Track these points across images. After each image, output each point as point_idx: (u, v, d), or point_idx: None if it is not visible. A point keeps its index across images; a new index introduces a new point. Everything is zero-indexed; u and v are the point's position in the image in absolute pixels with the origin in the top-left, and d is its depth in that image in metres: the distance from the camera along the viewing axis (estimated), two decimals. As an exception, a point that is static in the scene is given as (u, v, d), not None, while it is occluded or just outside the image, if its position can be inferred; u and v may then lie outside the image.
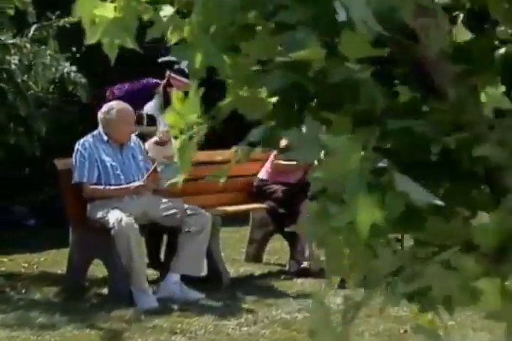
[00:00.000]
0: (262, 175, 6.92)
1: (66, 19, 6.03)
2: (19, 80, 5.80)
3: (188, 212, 5.94)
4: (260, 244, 7.25)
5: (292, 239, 6.88)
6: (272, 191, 6.80)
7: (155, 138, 6.40)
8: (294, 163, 6.62)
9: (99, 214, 5.76)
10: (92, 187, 5.87)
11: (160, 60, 7.32)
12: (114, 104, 6.08)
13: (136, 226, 5.65)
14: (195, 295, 5.81)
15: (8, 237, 7.90)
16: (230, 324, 5.13)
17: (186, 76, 6.90)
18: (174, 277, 5.88)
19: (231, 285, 6.23)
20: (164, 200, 6.02)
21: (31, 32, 5.88)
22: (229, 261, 7.16)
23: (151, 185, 5.82)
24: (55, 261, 7.09)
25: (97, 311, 5.47)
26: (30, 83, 5.85)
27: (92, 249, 6.01)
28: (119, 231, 5.60)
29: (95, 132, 6.04)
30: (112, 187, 5.88)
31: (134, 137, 6.21)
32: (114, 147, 6.02)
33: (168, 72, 7.08)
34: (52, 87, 6.50)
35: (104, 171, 5.90)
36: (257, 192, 6.89)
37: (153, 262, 6.54)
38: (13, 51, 5.88)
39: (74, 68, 6.52)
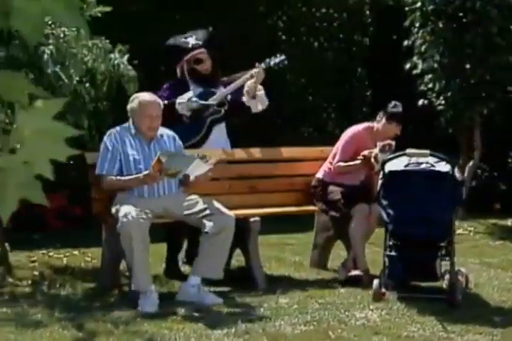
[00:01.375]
0: (320, 174, 6.46)
1: (98, 8, 5.93)
2: (49, 71, 5.71)
3: (208, 212, 5.60)
4: (323, 249, 6.80)
5: (348, 245, 6.40)
6: (327, 192, 6.33)
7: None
8: (354, 163, 6.18)
9: (114, 210, 5.57)
10: (108, 178, 5.67)
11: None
12: (140, 95, 5.85)
13: (142, 222, 5.36)
14: (212, 299, 5.51)
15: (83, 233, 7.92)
16: (216, 333, 4.78)
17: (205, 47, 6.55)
18: (193, 280, 5.60)
19: (267, 291, 5.85)
20: (188, 198, 5.73)
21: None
22: (291, 266, 6.85)
23: (156, 174, 5.47)
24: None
25: (98, 311, 5.28)
26: (61, 74, 5.73)
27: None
28: (121, 226, 5.38)
29: (126, 124, 5.85)
30: (122, 178, 5.64)
31: (168, 132, 5.95)
32: (142, 140, 5.77)
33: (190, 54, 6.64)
34: (102, 78, 6.35)
35: (126, 164, 5.69)
36: (313, 193, 6.45)
37: (189, 260, 6.30)
38: (50, 41, 5.81)
39: (124, 60, 6.38)
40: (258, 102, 6.58)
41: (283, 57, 6.71)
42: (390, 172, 5.52)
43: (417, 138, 11.03)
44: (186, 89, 6.48)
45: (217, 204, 5.67)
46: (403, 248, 5.56)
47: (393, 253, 5.59)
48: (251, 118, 7.00)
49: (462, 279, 5.96)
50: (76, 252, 7.47)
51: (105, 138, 5.77)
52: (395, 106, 6.27)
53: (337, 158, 6.34)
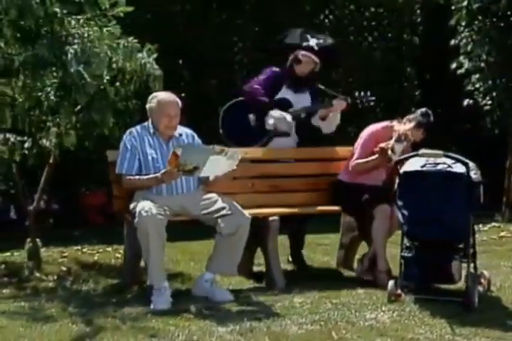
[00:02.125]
0: (341, 175, 6.43)
1: (120, 8, 5.99)
2: (72, 70, 5.79)
3: (224, 212, 5.62)
4: (349, 249, 6.76)
5: (369, 245, 6.35)
6: (348, 193, 6.29)
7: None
8: (371, 158, 6.12)
9: (132, 206, 5.63)
10: (127, 177, 5.74)
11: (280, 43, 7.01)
12: (159, 94, 5.89)
13: (159, 218, 5.39)
14: (224, 296, 5.54)
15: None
16: (220, 331, 4.80)
17: (315, 53, 6.63)
18: (207, 275, 5.65)
19: (285, 290, 5.85)
20: (206, 197, 5.75)
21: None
22: (318, 266, 6.85)
23: (173, 171, 5.48)
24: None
25: (111, 307, 5.36)
26: (83, 72, 5.80)
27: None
28: (139, 222, 5.43)
29: (145, 123, 5.91)
30: (141, 177, 5.69)
31: (187, 130, 5.99)
32: (161, 139, 5.81)
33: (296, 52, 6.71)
34: (130, 77, 6.42)
35: (145, 163, 5.73)
36: (334, 193, 6.42)
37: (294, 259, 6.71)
38: (76, 40, 5.89)
39: (151, 59, 6.43)
40: (328, 124, 6.70)
41: (373, 97, 6.72)
42: (405, 172, 5.46)
43: (463, 138, 10.91)
44: (279, 87, 6.62)
45: (233, 204, 5.68)
46: (418, 249, 5.49)
47: (408, 254, 5.53)
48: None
49: (484, 282, 5.86)
50: (109, 248, 7.59)
51: (124, 137, 5.84)
52: (426, 114, 6.16)
53: (355, 156, 6.29)
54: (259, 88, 6.64)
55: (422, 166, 5.45)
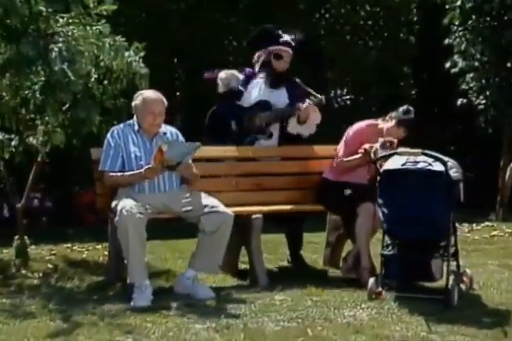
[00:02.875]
0: (325, 174, 6.44)
1: (104, 7, 6.01)
2: (56, 68, 5.82)
3: (206, 210, 5.64)
4: (335, 247, 6.77)
5: (355, 243, 6.35)
6: (332, 192, 6.30)
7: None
8: (355, 157, 6.11)
9: (113, 204, 5.65)
10: (110, 174, 5.76)
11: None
12: (144, 92, 5.91)
13: (139, 217, 5.41)
14: (205, 293, 5.57)
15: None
16: (196, 327, 4.82)
17: (292, 47, 6.64)
18: (189, 273, 5.68)
19: (267, 287, 5.87)
20: (188, 195, 5.78)
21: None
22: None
23: (157, 167, 5.51)
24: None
25: (91, 304, 5.38)
26: (67, 71, 5.83)
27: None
28: (119, 220, 5.46)
29: (130, 121, 5.94)
30: (124, 174, 5.69)
31: (172, 129, 6.02)
32: (144, 137, 5.82)
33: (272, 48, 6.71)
34: (116, 75, 6.45)
35: (128, 161, 5.75)
36: (319, 192, 6.42)
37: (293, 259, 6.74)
38: (60, 39, 5.92)
39: (137, 58, 6.45)
40: (307, 126, 6.65)
41: (348, 96, 6.70)
42: (386, 171, 5.47)
43: (458, 137, 10.92)
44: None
45: (215, 202, 5.70)
46: (398, 247, 5.50)
47: (389, 252, 5.54)
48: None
49: (466, 280, 5.87)
50: (99, 246, 7.61)
51: (108, 135, 5.86)
52: (408, 111, 6.14)
53: (340, 154, 6.30)
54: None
55: (403, 164, 5.46)
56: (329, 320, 5.02)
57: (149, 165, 5.57)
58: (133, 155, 5.76)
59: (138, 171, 5.65)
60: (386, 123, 6.20)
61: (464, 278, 5.86)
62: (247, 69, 6.88)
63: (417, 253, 5.44)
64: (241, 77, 6.73)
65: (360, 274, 6.03)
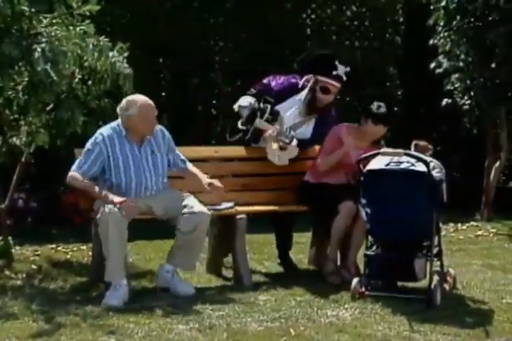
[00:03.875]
0: (307, 175, 6.45)
1: (87, 7, 6.00)
2: (39, 69, 5.81)
3: (184, 210, 5.64)
4: (319, 247, 6.77)
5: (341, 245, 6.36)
6: (313, 193, 6.30)
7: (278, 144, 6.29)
8: (336, 153, 6.10)
9: (96, 202, 5.63)
10: (79, 176, 5.62)
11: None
12: (137, 99, 5.72)
13: (121, 216, 5.39)
14: (186, 289, 5.62)
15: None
16: (180, 328, 4.82)
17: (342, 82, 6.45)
18: (167, 267, 5.70)
19: (251, 288, 5.88)
20: (171, 196, 5.77)
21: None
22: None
23: (132, 205, 5.45)
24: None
25: (74, 304, 5.36)
26: (50, 71, 5.81)
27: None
28: (101, 217, 5.45)
29: (114, 124, 5.81)
30: (95, 187, 5.58)
31: (157, 127, 5.88)
32: (132, 142, 5.70)
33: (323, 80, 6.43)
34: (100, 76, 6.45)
35: (115, 168, 5.65)
36: (301, 194, 6.43)
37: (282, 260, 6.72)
38: (44, 39, 5.91)
39: (121, 58, 6.44)
40: (285, 155, 6.43)
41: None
42: (369, 171, 5.48)
43: (443, 137, 10.94)
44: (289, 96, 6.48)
45: (193, 202, 5.70)
46: (382, 247, 5.52)
47: (372, 252, 5.55)
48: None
49: (449, 280, 5.89)
50: (84, 247, 7.58)
51: (93, 139, 5.73)
52: (379, 107, 6.13)
53: (320, 156, 6.32)
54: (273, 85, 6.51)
55: (386, 165, 5.47)
56: (312, 320, 5.03)
57: (129, 200, 5.46)
58: (120, 162, 5.64)
59: (108, 195, 5.50)
60: (364, 127, 6.19)
61: (448, 278, 5.88)
62: (295, 79, 6.61)
63: (400, 253, 5.46)
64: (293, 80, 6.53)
65: (324, 264, 6.05)
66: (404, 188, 5.34)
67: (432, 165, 5.41)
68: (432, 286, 5.38)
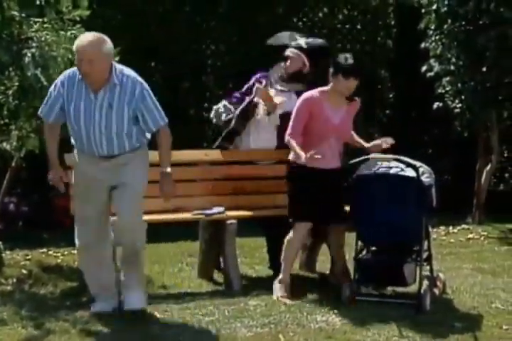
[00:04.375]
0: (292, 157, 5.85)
1: (77, 12, 6.01)
2: (29, 74, 5.81)
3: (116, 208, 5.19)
4: (311, 251, 6.77)
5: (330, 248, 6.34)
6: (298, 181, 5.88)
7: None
8: (295, 150, 5.70)
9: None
10: (47, 126, 5.23)
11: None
12: (82, 36, 5.09)
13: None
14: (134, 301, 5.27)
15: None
16: (168, 334, 4.84)
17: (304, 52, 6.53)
18: None
19: (242, 293, 5.88)
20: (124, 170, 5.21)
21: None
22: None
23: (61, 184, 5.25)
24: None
25: (63, 310, 5.37)
26: (40, 76, 5.81)
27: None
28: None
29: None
30: (49, 144, 5.26)
31: (133, 78, 5.09)
32: (88, 88, 5.01)
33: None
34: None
35: (68, 112, 5.05)
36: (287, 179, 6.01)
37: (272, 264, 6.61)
38: (34, 44, 5.91)
39: (112, 63, 6.43)
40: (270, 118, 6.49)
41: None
42: (358, 176, 5.49)
43: (434, 140, 10.97)
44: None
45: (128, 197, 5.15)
46: (371, 252, 5.53)
47: (361, 257, 5.56)
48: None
49: (439, 284, 5.89)
50: (74, 251, 7.55)
51: (58, 79, 5.14)
52: (346, 59, 5.71)
53: (289, 127, 5.76)
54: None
55: (376, 170, 5.48)
56: (302, 326, 5.04)
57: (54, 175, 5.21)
58: (72, 106, 5.02)
59: (53, 161, 5.30)
60: (334, 83, 5.74)
61: (437, 283, 5.89)
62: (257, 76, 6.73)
63: (390, 257, 5.47)
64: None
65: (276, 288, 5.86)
66: (393, 193, 5.35)
67: (421, 170, 5.42)
68: (422, 291, 5.39)
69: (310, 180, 5.76)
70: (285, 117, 6.19)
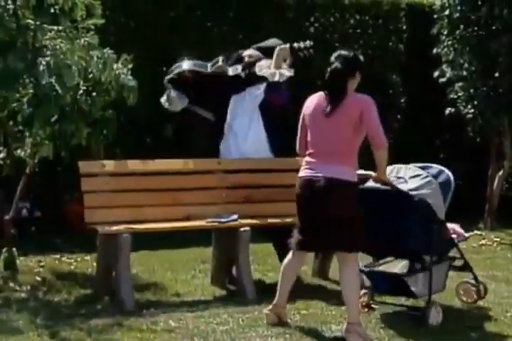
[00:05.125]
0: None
1: (91, 21, 6.04)
2: (44, 82, 5.83)
3: None
4: (324, 258, 6.78)
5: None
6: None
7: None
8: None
9: None
10: None
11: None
12: None
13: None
14: None
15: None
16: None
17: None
18: None
19: (255, 301, 5.88)
20: None
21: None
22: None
23: None
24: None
25: (78, 318, 5.38)
26: (55, 84, 5.83)
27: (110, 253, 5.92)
28: None
29: None
30: None
31: None
32: None
33: None
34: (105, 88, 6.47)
35: None
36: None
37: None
38: (48, 52, 5.93)
39: (125, 70, 6.46)
40: (276, 73, 6.52)
41: (311, 43, 6.68)
42: (361, 189, 5.33)
43: (447, 146, 10.94)
44: None
45: None
46: (377, 262, 5.54)
47: (366, 268, 5.55)
48: (285, 128, 6.96)
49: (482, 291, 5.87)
50: (88, 257, 7.59)
51: None
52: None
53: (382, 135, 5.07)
54: None
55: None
56: (316, 335, 5.05)
57: None
58: None
59: None
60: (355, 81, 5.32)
61: (481, 290, 5.83)
62: None
63: (393, 268, 5.47)
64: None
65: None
66: (388, 206, 5.29)
67: (420, 182, 5.35)
68: (428, 304, 5.33)
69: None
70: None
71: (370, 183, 5.36)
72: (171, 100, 6.68)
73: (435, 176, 5.53)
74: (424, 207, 5.26)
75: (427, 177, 5.41)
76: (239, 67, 6.71)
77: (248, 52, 6.83)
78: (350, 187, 5.00)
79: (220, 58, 6.75)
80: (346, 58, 5.15)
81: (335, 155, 5.03)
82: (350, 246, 4.99)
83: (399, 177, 5.39)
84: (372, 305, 5.56)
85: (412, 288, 5.34)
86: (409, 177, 5.38)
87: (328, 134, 5.07)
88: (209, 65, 6.79)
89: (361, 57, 5.37)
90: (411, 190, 5.28)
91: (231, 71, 6.69)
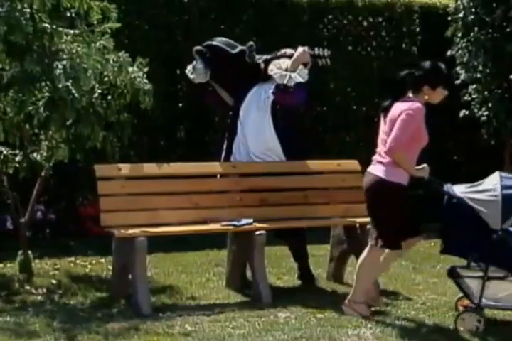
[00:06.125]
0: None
1: (108, 25, 6.05)
2: (60, 85, 5.84)
3: None
4: (338, 262, 6.78)
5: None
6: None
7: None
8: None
9: None
10: None
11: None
12: None
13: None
14: None
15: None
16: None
17: None
18: None
19: (271, 304, 5.88)
20: None
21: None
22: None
23: None
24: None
25: (95, 322, 5.39)
26: (71, 88, 5.84)
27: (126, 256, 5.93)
28: None
29: None
30: None
31: None
32: None
33: None
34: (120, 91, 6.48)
35: None
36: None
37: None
38: (65, 56, 5.94)
39: (141, 74, 6.48)
40: (287, 75, 6.52)
41: (329, 52, 6.71)
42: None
43: (461, 148, 10.91)
44: None
45: None
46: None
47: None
48: (297, 130, 6.97)
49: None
50: (102, 260, 7.60)
51: None
52: (445, 69, 5.68)
53: (394, 139, 5.43)
54: None
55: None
56: (333, 339, 5.03)
57: None
58: None
59: None
60: (434, 94, 5.71)
61: None
62: None
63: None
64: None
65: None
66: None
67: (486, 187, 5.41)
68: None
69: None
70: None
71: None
72: (197, 71, 6.66)
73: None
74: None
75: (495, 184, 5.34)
76: (263, 58, 6.72)
77: (287, 49, 6.79)
78: None
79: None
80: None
81: None
82: None
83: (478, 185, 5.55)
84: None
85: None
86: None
87: None
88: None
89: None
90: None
91: (257, 58, 6.71)
